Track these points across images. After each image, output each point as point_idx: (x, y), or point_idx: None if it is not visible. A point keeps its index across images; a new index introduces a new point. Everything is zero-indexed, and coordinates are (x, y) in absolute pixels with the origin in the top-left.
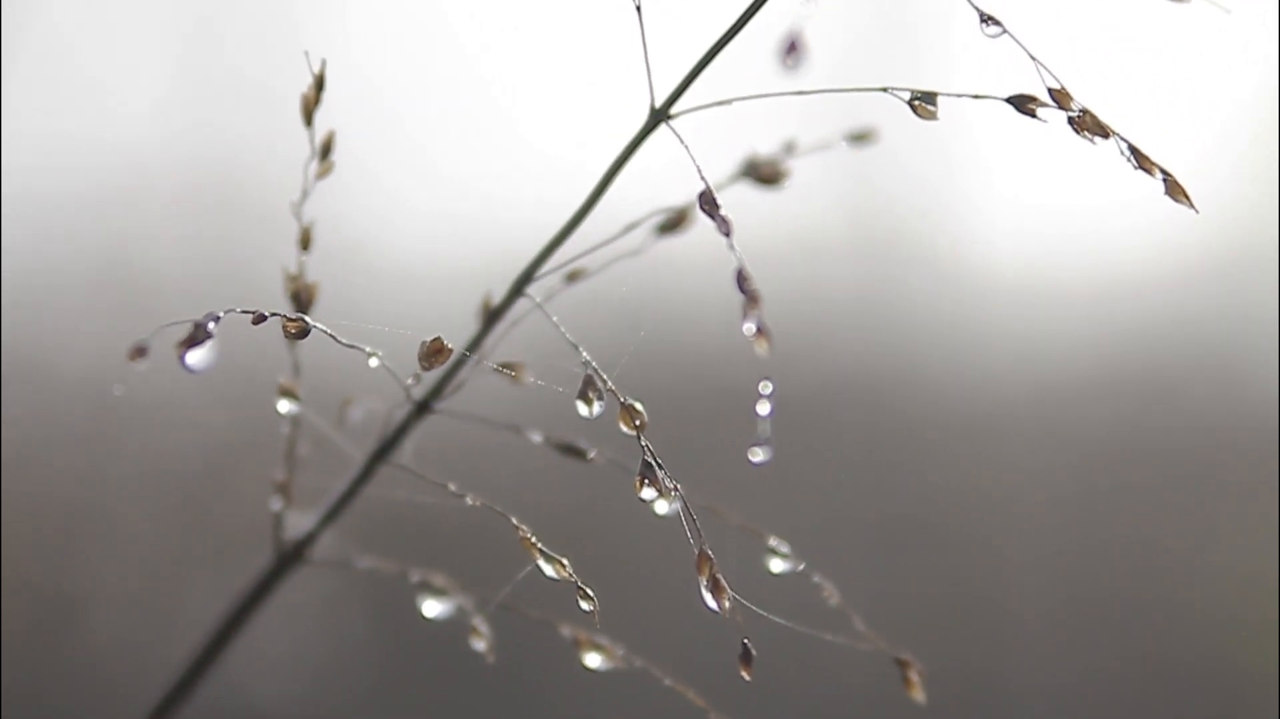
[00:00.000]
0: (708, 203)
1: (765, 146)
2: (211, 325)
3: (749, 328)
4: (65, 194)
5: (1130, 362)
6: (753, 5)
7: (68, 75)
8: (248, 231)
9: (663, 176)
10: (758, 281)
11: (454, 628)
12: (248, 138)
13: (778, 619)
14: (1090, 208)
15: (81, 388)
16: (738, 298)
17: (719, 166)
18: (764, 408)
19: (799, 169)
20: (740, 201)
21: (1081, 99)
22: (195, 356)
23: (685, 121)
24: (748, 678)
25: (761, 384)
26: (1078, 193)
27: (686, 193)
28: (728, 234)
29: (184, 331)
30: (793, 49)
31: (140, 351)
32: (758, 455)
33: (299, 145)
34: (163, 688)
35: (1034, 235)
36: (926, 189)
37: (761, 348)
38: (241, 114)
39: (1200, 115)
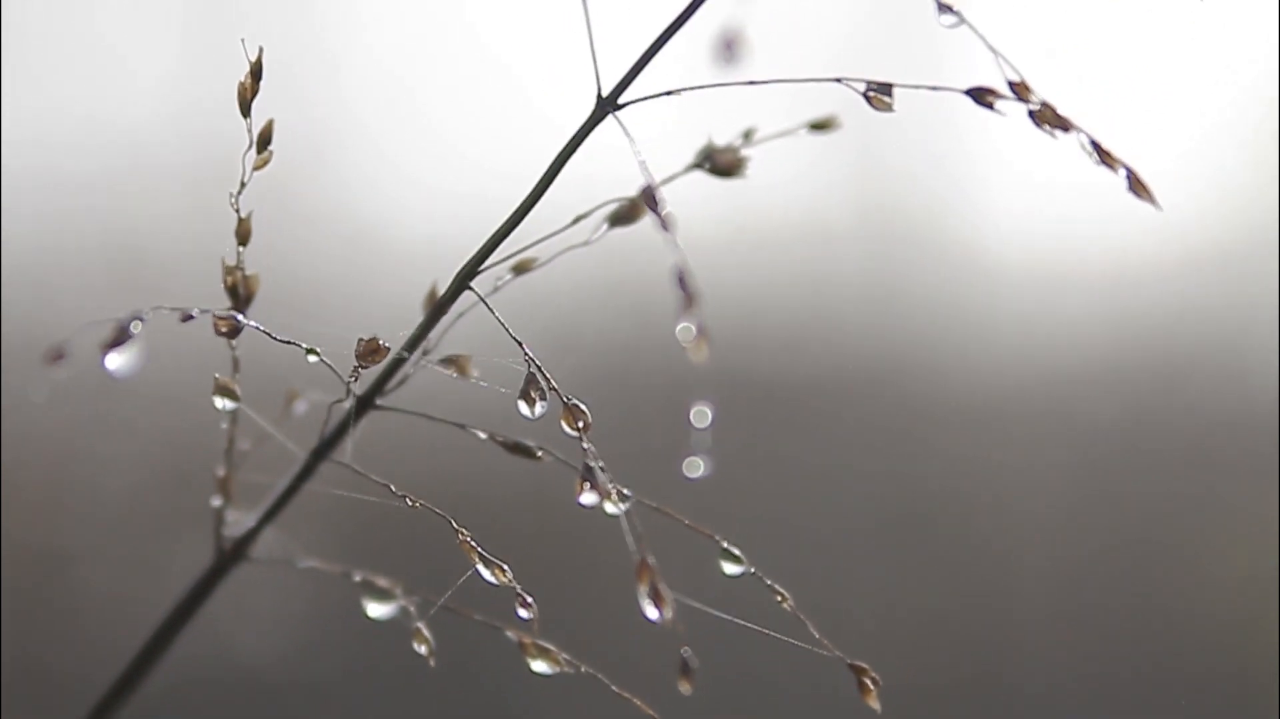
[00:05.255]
0: (648, 198)
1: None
2: (134, 326)
3: (686, 329)
4: (69, 172)
5: (1141, 348)
6: None
7: (72, 51)
8: (255, 210)
9: (628, 167)
10: (699, 280)
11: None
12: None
13: (724, 617)
14: (1100, 188)
15: (85, 365)
16: (676, 295)
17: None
18: (703, 418)
19: (805, 152)
20: (744, 186)
21: (1042, 92)
22: (116, 360)
23: (668, 115)
24: (686, 691)
25: (697, 408)
26: (1088, 174)
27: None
28: (666, 229)
29: (105, 332)
30: (729, 46)
31: (58, 355)
32: (696, 468)
33: (310, 124)
34: (105, 689)
35: (1044, 218)
36: (936, 172)
37: (699, 354)
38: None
39: (1209, 100)
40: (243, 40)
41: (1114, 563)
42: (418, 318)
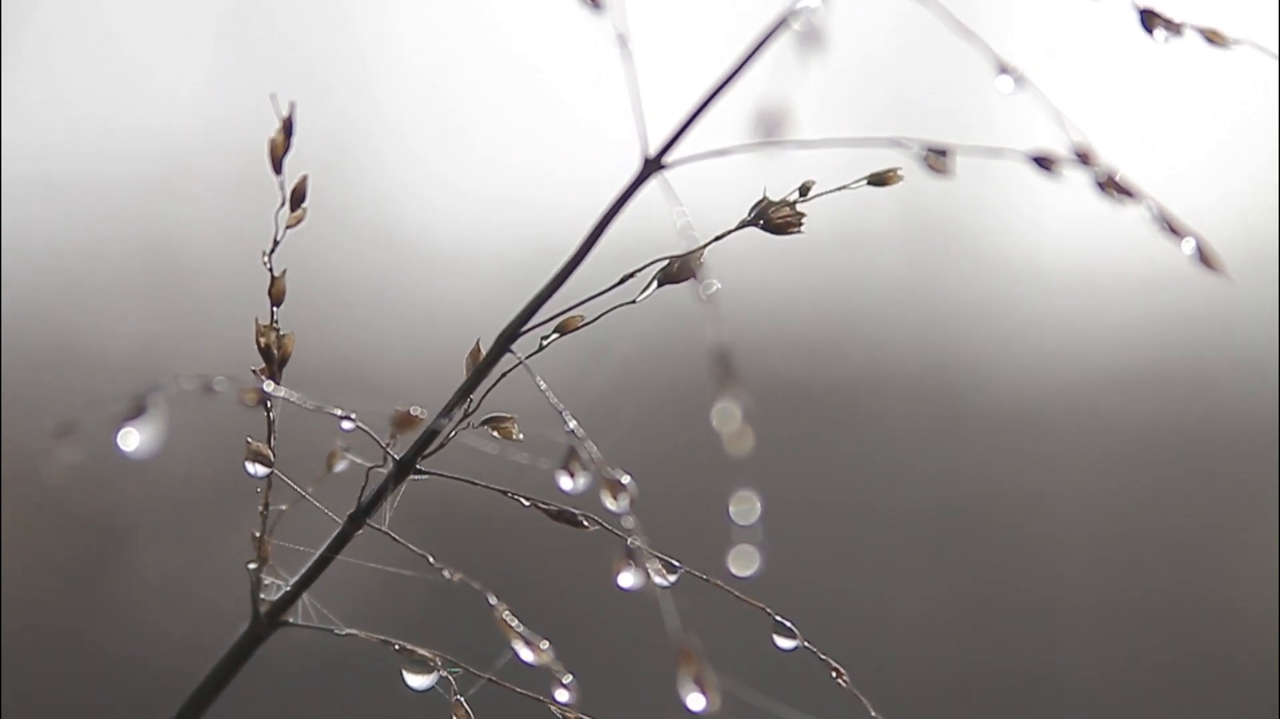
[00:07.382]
0: (686, 270)
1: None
2: (151, 402)
3: (726, 412)
4: (108, 179)
5: (1177, 351)
6: (748, 54)
7: (109, 60)
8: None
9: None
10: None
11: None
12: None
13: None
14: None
15: (127, 357)
16: (714, 374)
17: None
18: (748, 511)
19: (844, 156)
20: (785, 190)
21: (1108, 157)
22: (131, 439)
23: (727, 163)
24: None
25: (741, 496)
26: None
27: (701, 238)
28: (705, 302)
29: (119, 409)
30: (770, 122)
31: (68, 431)
32: (749, 564)
33: (344, 129)
34: None
35: (1081, 223)
36: (976, 177)
37: (741, 445)
38: (284, 98)
39: (1248, 105)
40: (273, 96)
41: (1152, 558)
42: (456, 338)
